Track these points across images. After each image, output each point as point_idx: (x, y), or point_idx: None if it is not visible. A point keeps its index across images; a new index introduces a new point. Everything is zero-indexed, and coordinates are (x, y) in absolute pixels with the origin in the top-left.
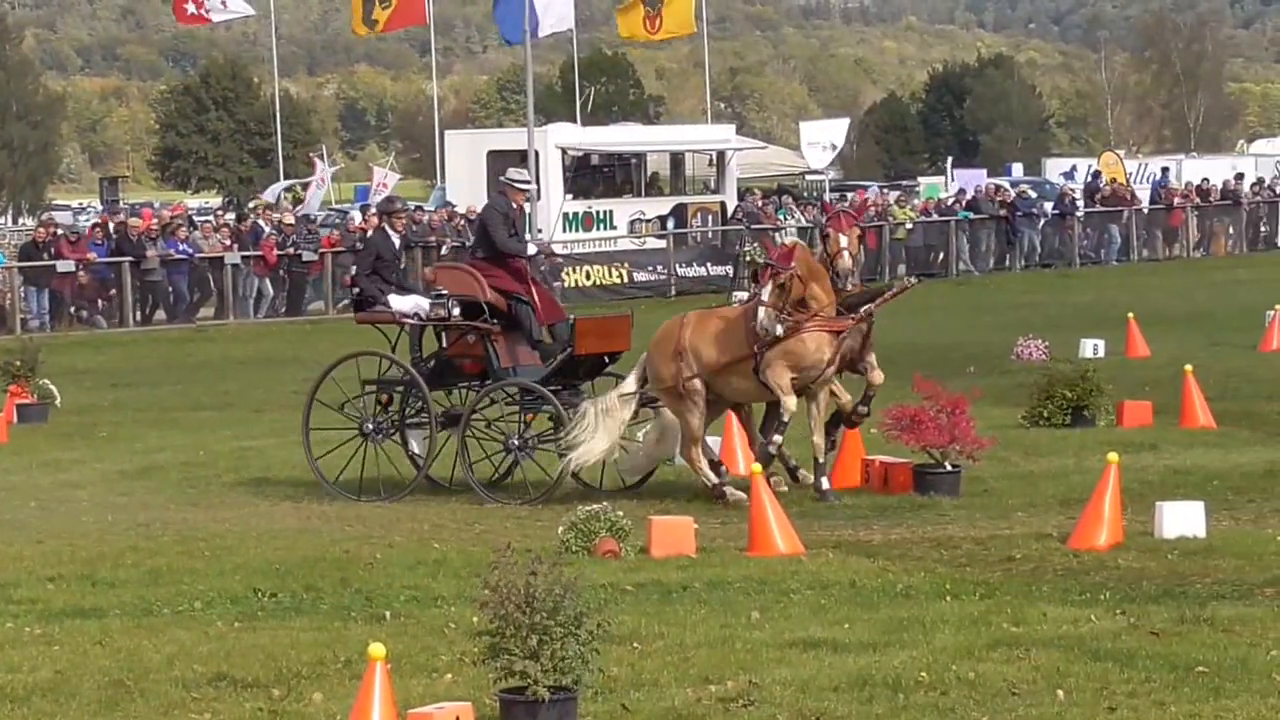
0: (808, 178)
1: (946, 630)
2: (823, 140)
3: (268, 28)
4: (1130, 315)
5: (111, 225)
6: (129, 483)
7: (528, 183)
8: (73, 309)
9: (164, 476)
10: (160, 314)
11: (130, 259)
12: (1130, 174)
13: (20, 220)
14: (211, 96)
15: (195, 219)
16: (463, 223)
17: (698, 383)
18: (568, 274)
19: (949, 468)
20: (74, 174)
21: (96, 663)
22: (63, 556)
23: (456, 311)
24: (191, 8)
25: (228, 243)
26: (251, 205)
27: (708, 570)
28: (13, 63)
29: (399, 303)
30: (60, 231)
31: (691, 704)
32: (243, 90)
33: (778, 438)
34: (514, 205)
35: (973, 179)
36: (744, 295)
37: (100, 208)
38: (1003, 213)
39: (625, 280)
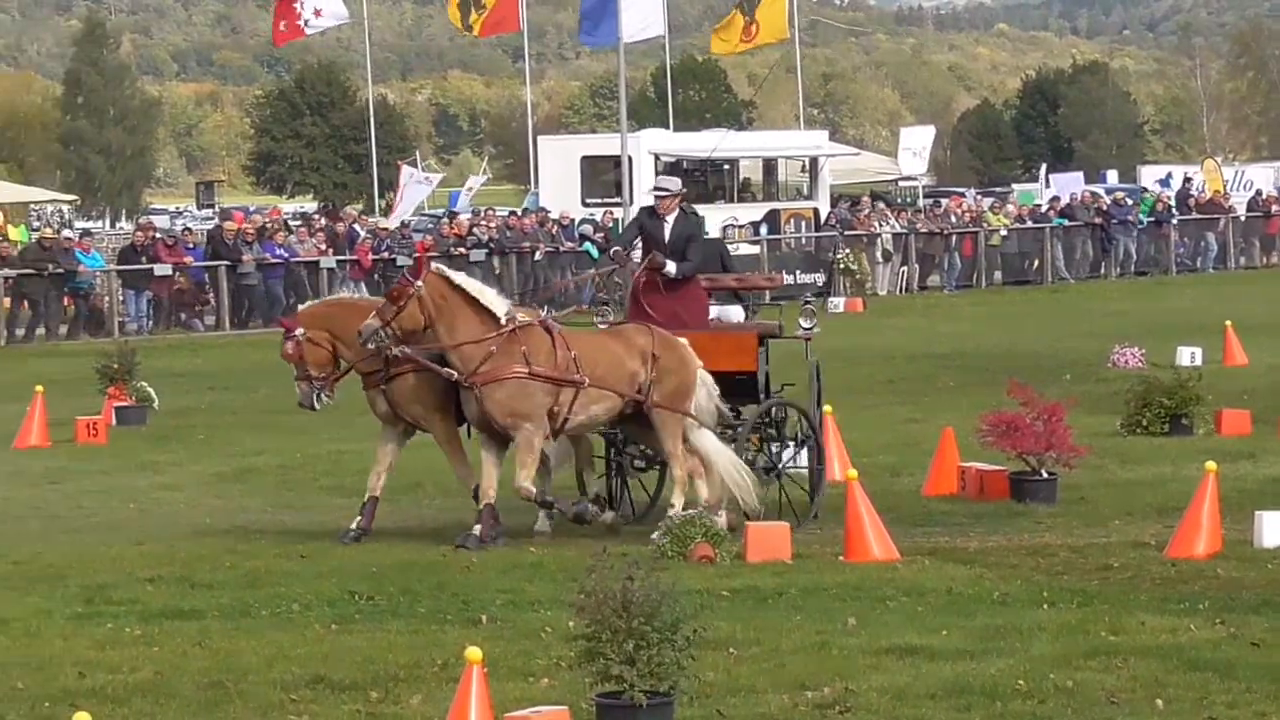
0: (901, 184)
1: (1043, 638)
2: (915, 146)
3: (362, 34)
4: (1227, 323)
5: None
6: (226, 485)
7: (656, 190)
8: (171, 312)
9: (261, 479)
10: (256, 317)
11: (226, 263)
12: (1226, 182)
13: (118, 224)
14: (306, 102)
15: (290, 223)
16: (555, 228)
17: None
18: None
19: (1045, 475)
20: (170, 179)
21: (195, 664)
22: (161, 558)
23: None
24: (284, 25)
25: (323, 247)
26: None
27: (803, 576)
28: (110, 68)
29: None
30: (158, 235)
31: (787, 710)
32: (337, 96)
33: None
34: (656, 215)
35: (1069, 184)
36: (839, 301)
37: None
38: (1098, 220)
39: None
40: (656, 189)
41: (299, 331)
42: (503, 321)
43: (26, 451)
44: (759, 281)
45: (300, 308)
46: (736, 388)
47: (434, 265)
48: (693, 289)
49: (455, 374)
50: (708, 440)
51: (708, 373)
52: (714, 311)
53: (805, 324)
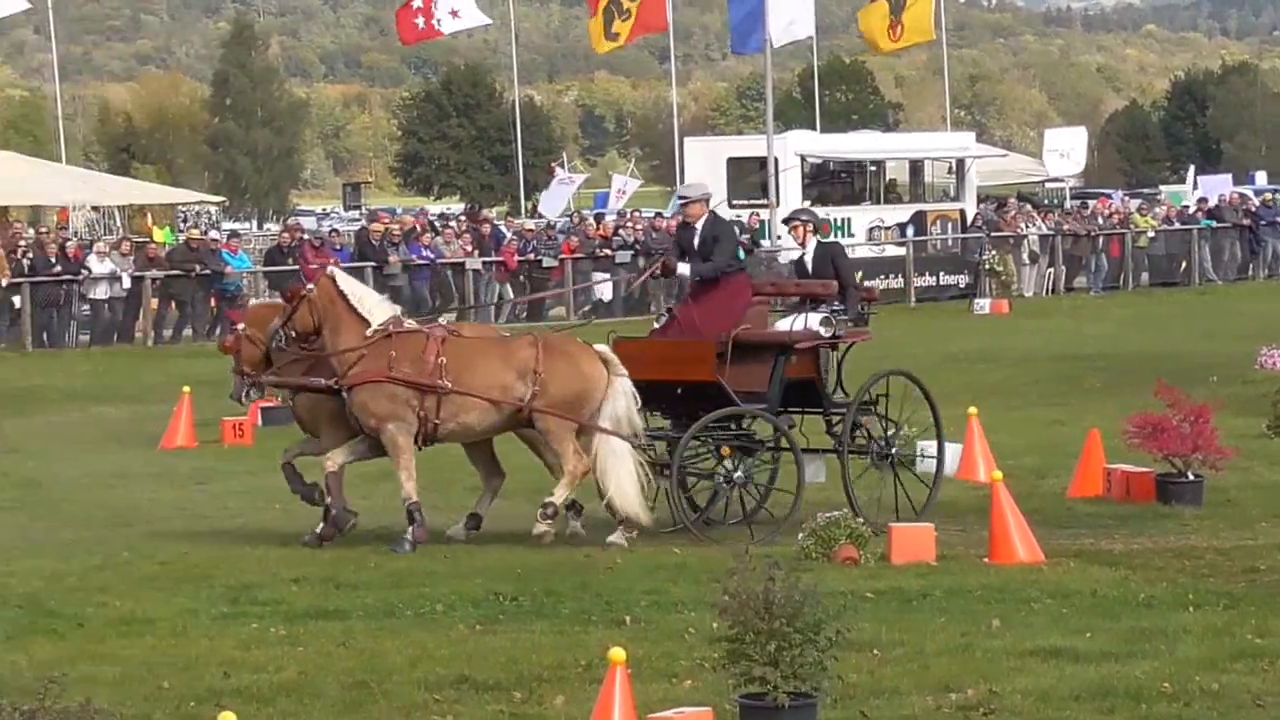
0: (1048, 185)
1: (1189, 641)
2: (1062, 148)
3: (508, 35)
4: None
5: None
6: (370, 485)
7: (680, 197)
8: None
9: None
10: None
11: (373, 264)
12: None
13: (265, 225)
14: (453, 103)
15: (436, 224)
16: None
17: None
18: None
19: (1191, 477)
20: (317, 180)
21: (339, 664)
22: (306, 559)
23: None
24: (420, 21)
25: (469, 248)
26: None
27: (947, 578)
28: (258, 69)
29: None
30: (305, 236)
31: (930, 712)
32: (484, 97)
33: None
34: (687, 225)
35: (1217, 186)
36: (985, 303)
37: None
38: (1246, 221)
39: None
40: (679, 197)
41: (240, 326)
42: (373, 328)
43: (173, 452)
44: (815, 289)
45: (250, 304)
46: (699, 396)
47: (329, 270)
48: (721, 294)
49: (324, 382)
50: (611, 447)
51: (660, 381)
52: (786, 321)
53: (824, 332)
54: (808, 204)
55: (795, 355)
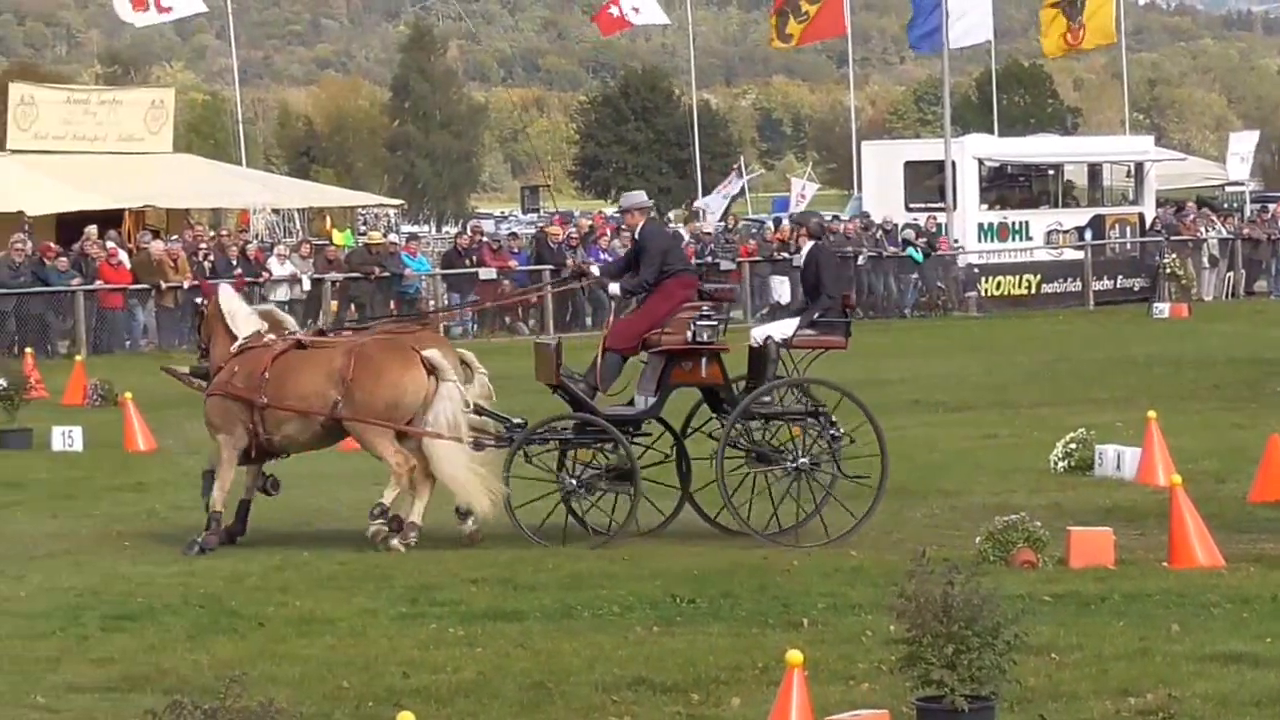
0: (1228, 189)
1: None
2: (1243, 152)
3: (686, 39)
4: None
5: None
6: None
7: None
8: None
9: None
10: (581, 321)
11: (550, 267)
12: None
13: (443, 228)
14: (631, 107)
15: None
16: (879, 233)
17: None
18: (982, 283)
19: None
20: (495, 183)
21: (517, 664)
22: (484, 560)
23: None
24: (616, 10)
25: None
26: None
27: (1126, 582)
28: (437, 74)
29: None
30: (484, 239)
31: (1109, 716)
32: (661, 101)
33: None
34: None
35: None
36: (1164, 307)
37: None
38: None
39: (1035, 290)
40: (619, 208)
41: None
42: (237, 343)
43: (351, 453)
44: (718, 292)
45: None
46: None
47: (220, 286)
48: (649, 300)
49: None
50: (438, 449)
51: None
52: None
53: (704, 336)
54: (984, 207)
55: (692, 361)
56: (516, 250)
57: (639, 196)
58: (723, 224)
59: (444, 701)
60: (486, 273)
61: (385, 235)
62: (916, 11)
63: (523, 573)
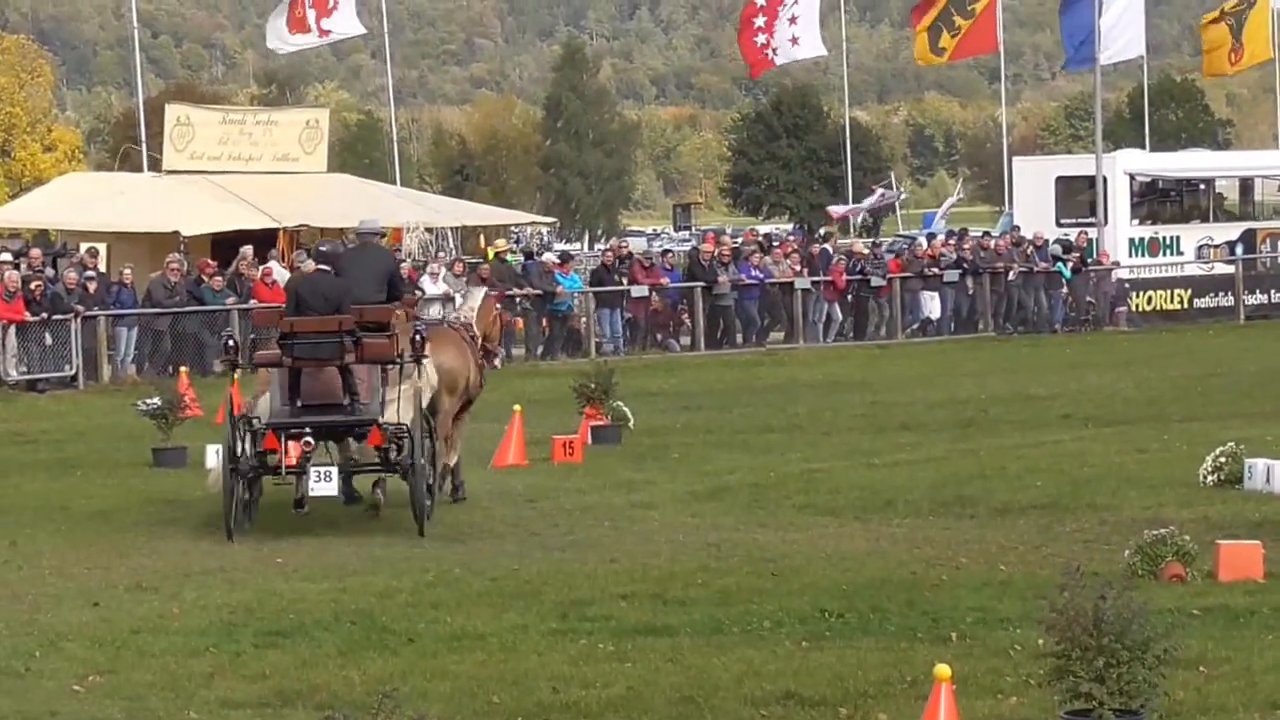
0: None
1: None
2: None
3: (838, 56)
4: None
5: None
6: (699, 504)
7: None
8: (647, 332)
9: (733, 498)
10: (732, 338)
11: (702, 284)
12: None
13: (595, 245)
14: (783, 124)
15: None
16: (1029, 249)
17: None
18: (1133, 298)
19: None
20: (647, 201)
21: (667, 679)
22: (635, 575)
23: None
24: (763, 39)
25: (798, 268)
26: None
27: (1275, 596)
28: (590, 92)
29: None
30: (634, 254)
31: None
32: (813, 118)
33: None
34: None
35: None
36: None
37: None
38: None
39: (1186, 305)
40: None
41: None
42: None
43: (505, 470)
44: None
45: None
46: None
47: None
48: None
49: None
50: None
51: None
52: None
53: None
54: (1135, 223)
55: None
56: (669, 267)
57: (373, 222)
58: (872, 239)
59: (594, 716)
60: (638, 290)
61: (539, 254)
62: (1070, 29)
63: (673, 588)
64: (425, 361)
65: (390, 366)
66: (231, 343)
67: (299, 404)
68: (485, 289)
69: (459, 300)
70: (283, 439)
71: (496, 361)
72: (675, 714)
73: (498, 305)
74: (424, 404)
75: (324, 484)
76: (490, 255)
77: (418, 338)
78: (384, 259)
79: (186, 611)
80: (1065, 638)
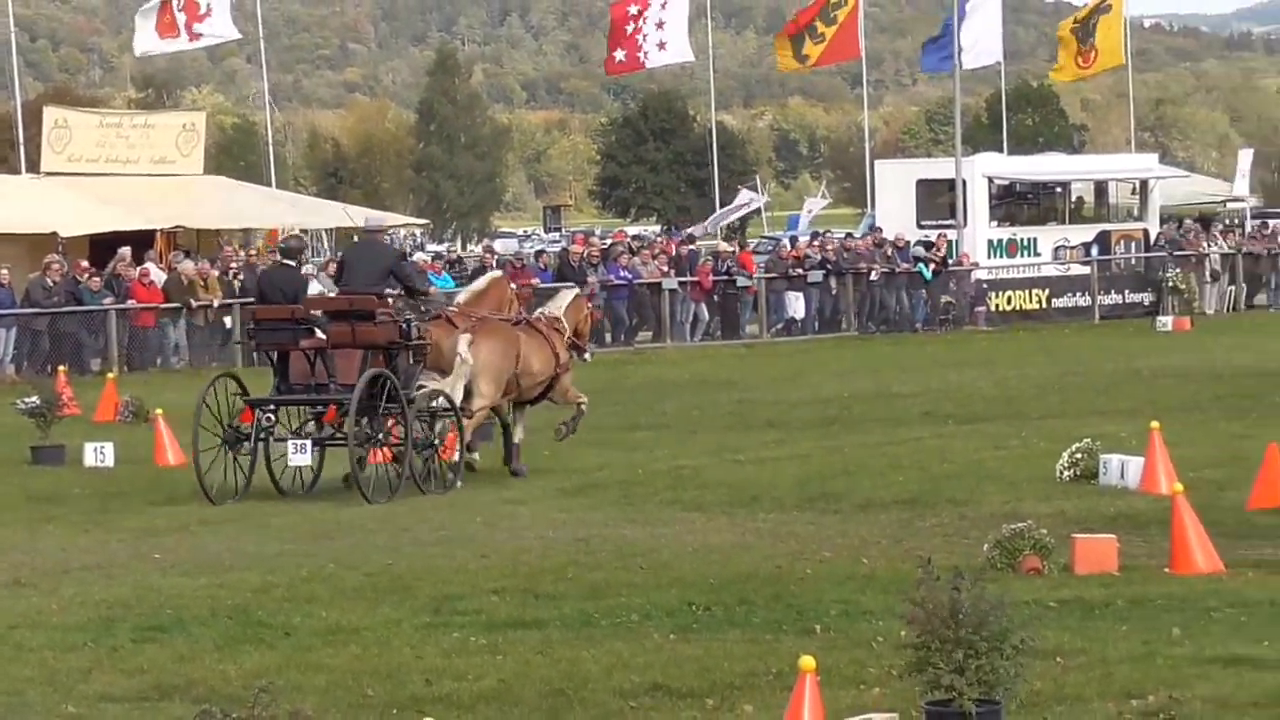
0: (1229, 205)
1: None
2: (1245, 168)
3: (705, 62)
4: None
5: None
6: (569, 500)
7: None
8: None
9: (603, 494)
10: (600, 338)
11: (572, 284)
12: None
13: (467, 247)
14: (650, 128)
15: (634, 245)
16: (891, 250)
17: None
18: (992, 298)
19: None
20: (518, 203)
21: (538, 672)
22: (506, 570)
23: None
24: (621, 55)
25: (665, 269)
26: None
27: (1129, 588)
28: (462, 97)
29: None
30: (504, 257)
31: (1113, 718)
32: (680, 122)
33: None
34: None
35: None
36: (1168, 320)
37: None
38: None
39: (1043, 305)
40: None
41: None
42: None
43: (378, 467)
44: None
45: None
46: None
47: None
48: None
49: None
50: None
51: None
52: None
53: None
54: (994, 224)
55: None
56: (544, 267)
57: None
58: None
59: (466, 709)
60: None
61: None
62: (934, 37)
63: (543, 583)
64: (462, 349)
65: (399, 350)
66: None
67: (290, 383)
68: (575, 288)
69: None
70: (258, 414)
71: (586, 355)
72: (546, 706)
73: (588, 304)
74: (461, 391)
75: (299, 455)
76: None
77: (406, 327)
78: (385, 254)
79: (65, 607)
80: (925, 630)
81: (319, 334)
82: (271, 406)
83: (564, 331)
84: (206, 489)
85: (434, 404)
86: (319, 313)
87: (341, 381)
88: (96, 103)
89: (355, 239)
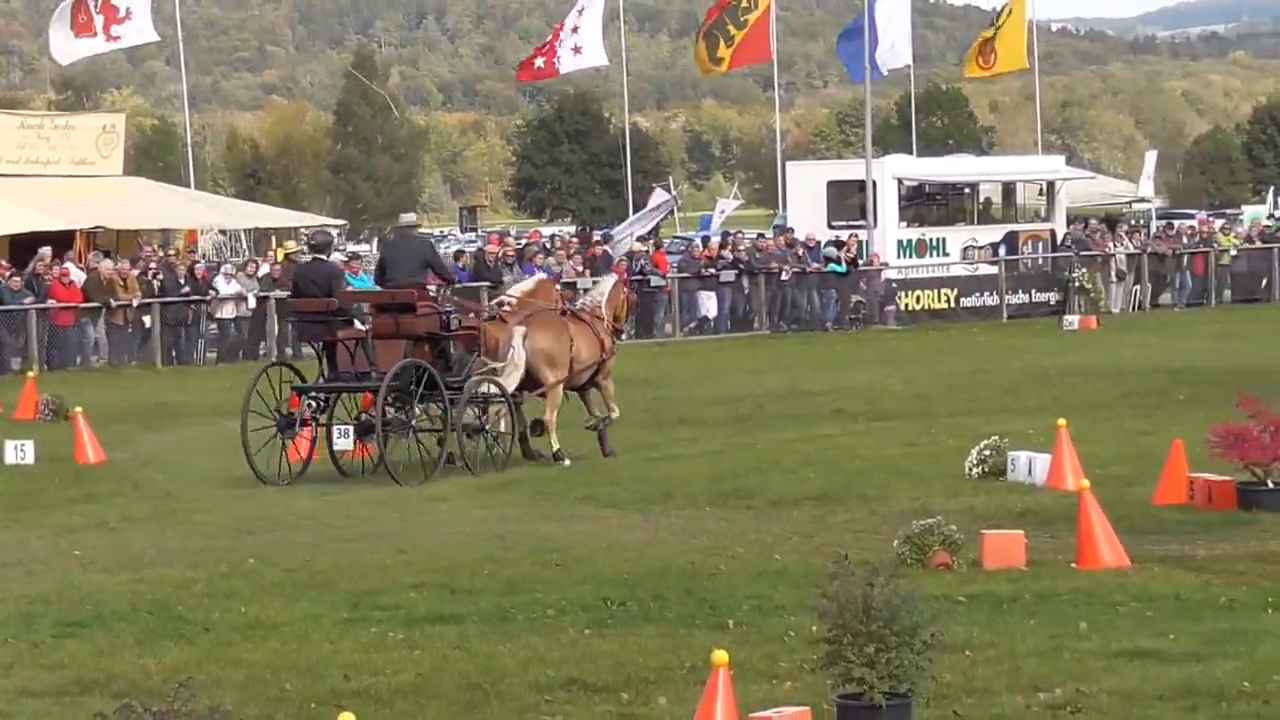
0: (1134, 206)
1: (1269, 642)
2: (1150, 169)
3: (618, 64)
4: None
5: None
6: (487, 496)
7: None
8: None
9: (519, 490)
10: None
11: (487, 284)
12: None
13: None
14: (565, 130)
15: (549, 245)
16: (802, 250)
17: None
18: (901, 297)
19: (1271, 485)
20: (435, 204)
21: (456, 666)
22: (424, 566)
23: None
24: (540, 62)
25: (580, 268)
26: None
27: (1037, 583)
28: (379, 99)
29: None
30: None
31: (1020, 711)
32: (594, 124)
33: None
34: None
35: None
36: (1074, 319)
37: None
38: None
39: (952, 304)
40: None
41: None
42: None
43: (298, 464)
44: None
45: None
46: None
47: None
48: None
49: None
50: None
51: None
52: None
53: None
54: (903, 225)
55: None
56: (463, 267)
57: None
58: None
59: (384, 703)
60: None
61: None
62: (848, 47)
63: (461, 578)
64: (517, 341)
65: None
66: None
67: (338, 372)
68: (614, 276)
69: (591, 286)
70: (304, 400)
71: (622, 336)
72: (463, 700)
73: (625, 289)
74: (516, 380)
75: (343, 440)
76: (281, 256)
77: (446, 318)
78: (422, 247)
79: None
80: (837, 624)
81: (358, 325)
82: (317, 394)
83: (605, 320)
84: (259, 472)
85: (485, 390)
86: (364, 306)
87: (384, 370)
88: (16, 104)
89: (391, 236)
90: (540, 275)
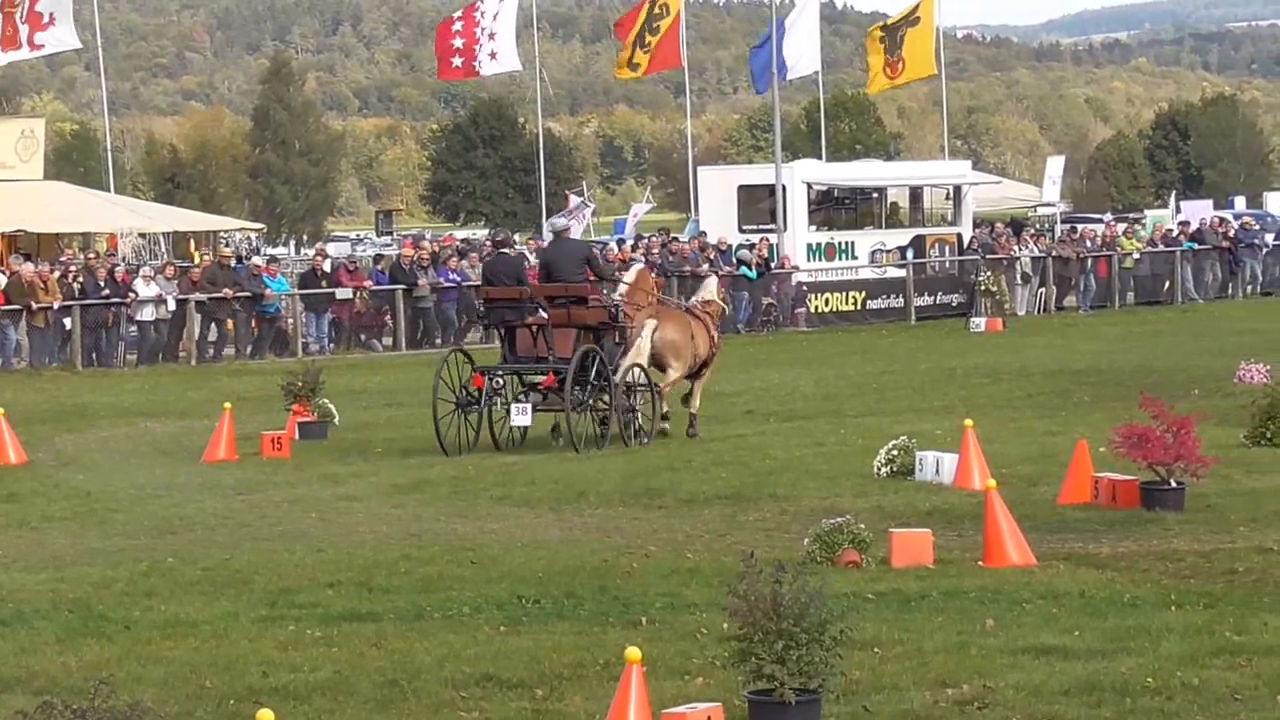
0: (1039, 210)
1: (1171, 638)
2: (1055, 174)
3: (532, 71)
4: None
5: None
6: (402, 496)
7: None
8: (351, 333)
9: (434, 490)
10: (432, 338)
11: (404, 287)
12: None
13: (302, 250)
14: (479, 135)
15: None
16: (714, 253)
17: None
18: (811, 299)
19: (1174, 484)
20: (351, 207)
21: (372, 663)
22: (341, 564)
23: None
24: (458, 61)
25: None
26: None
27: (945, 580)
28: (296, 104)
29: None
30: (337, 260)
31: (929, 706)
32: (508, 130)
33: None
34: None
35: (1199, 210)
36: (981, 321)
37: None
38: (1226, 244)
39: (860, 307)
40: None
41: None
42: None
43: (216, 465)
44: None
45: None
46: None
47: None
48: None
49: None
50: None
51: None
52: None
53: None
54: (813, 229)
55: None
56: (383, 270)
57: (555, 222)
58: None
59: (302, 699)
60: (343, 292)
61: (247, 257)
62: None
63: (377, 576)
64: (645, 333)
65: (604, 330)
66: None
67: (517, 355)
68: (715, 277)
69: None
70: (488, 379)
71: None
72: (380, 696)
73: (722, 290)
74: (643, 367)
75: (521, 416)
76: (197, 258)
77: (614, 311)
78: (580, 248)
79: None
80: (747, 622)
81: (541, 314)
82: (500, 373)
83: (714, 315)
84: (446, 445)
85: (630, 378)
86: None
87: (558, 355)
88: None
89: (546, 241)
90: (639, 265)
